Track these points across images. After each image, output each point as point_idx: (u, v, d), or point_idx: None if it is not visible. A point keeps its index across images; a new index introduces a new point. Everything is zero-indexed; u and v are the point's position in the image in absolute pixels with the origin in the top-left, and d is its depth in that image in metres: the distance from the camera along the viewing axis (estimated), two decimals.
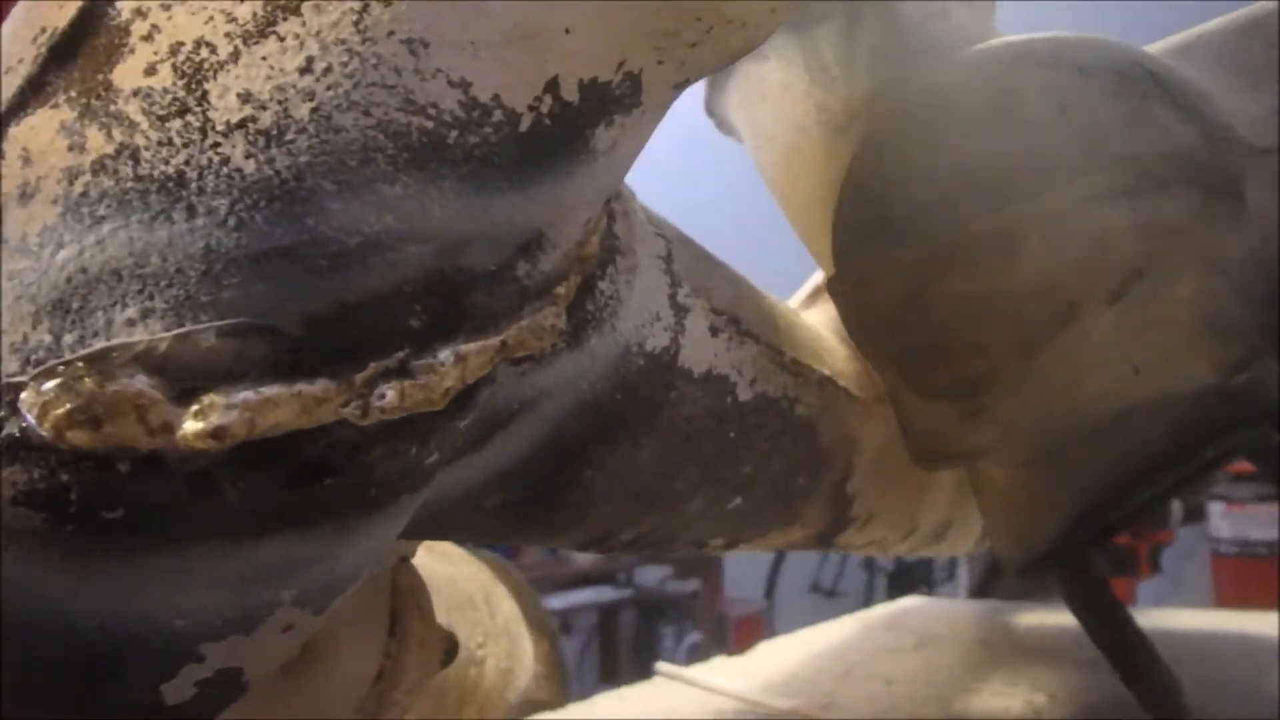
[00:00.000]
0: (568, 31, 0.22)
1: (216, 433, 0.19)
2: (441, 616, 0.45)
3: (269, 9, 0.20)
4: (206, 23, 0.20)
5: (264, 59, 0.20)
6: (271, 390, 0.19)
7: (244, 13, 0.20)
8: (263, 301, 0.19)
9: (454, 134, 0.21)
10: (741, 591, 2.89)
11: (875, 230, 0.35)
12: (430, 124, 0.21)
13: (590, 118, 0.23)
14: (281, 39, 0.20)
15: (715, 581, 2.90)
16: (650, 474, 0.36)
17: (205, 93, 0.20)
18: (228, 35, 0.20)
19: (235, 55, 0.20)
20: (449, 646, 0.45)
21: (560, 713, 0.71)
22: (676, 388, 0.34)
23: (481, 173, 0.22)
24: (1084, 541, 0.39)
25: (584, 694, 0.81)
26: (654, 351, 0.33)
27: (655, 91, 0.25)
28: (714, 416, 0.37)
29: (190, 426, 0.19)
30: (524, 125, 0.22)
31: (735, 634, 2.66)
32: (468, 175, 0.22)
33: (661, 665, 0.74)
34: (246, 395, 0.19)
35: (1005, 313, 0.34)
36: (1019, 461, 0.39)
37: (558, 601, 2.42)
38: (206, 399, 0.19)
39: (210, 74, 0.20)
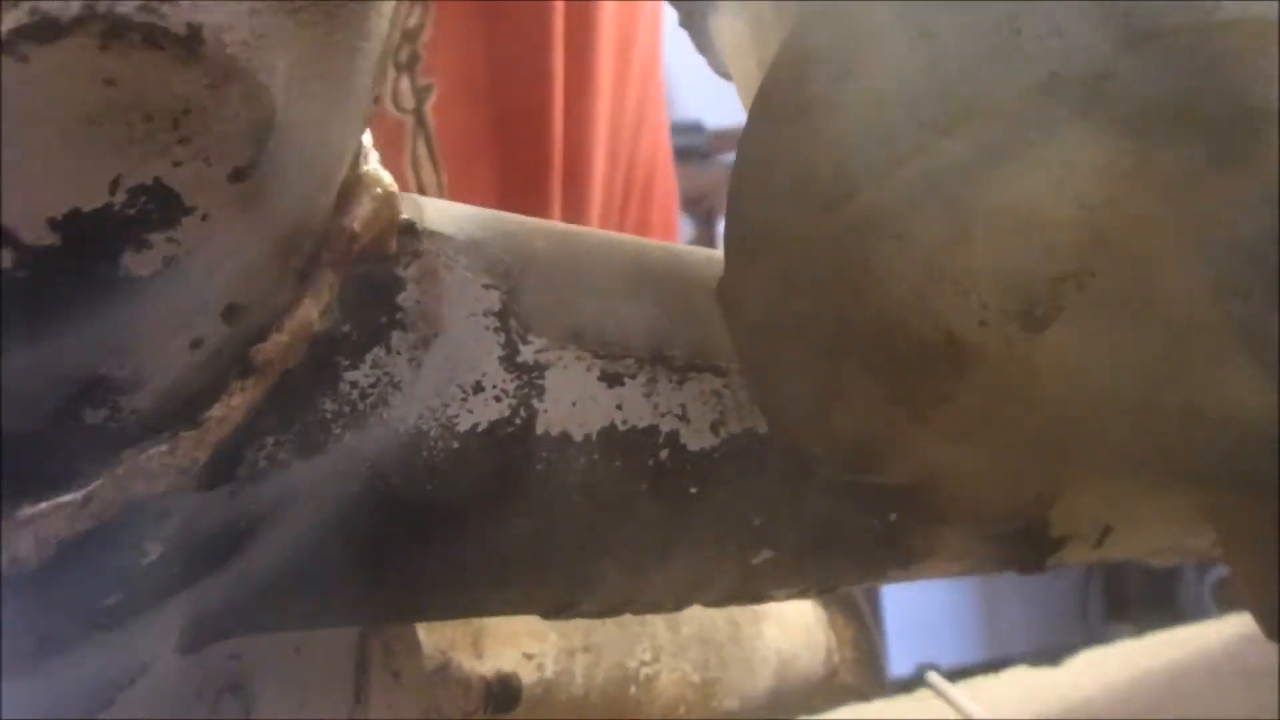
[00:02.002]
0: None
1: None
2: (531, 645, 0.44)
3: None
4: None
5: None
6: None
7: None
8: None
9: None
10: None
11: (792, 194, 0.25)
12: None
13: (100, 248, 0.20)
14: None
15: None
16: (539, 549, 0.31)
17: None
18: None
19: None
20: (498, 691, 0.43)
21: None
22: (542, 459, 0.29)
23: None
24: None
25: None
26: (476, 429, 0.28)
27: (205, 191, 0.20)
28: (642, 475, 0.31)
29: None
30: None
31: None
32: None
33: (932, 677, 0.65)
34: None
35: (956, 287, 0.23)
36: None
37: None
38: None
39: None
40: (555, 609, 0.35)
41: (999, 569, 0.48)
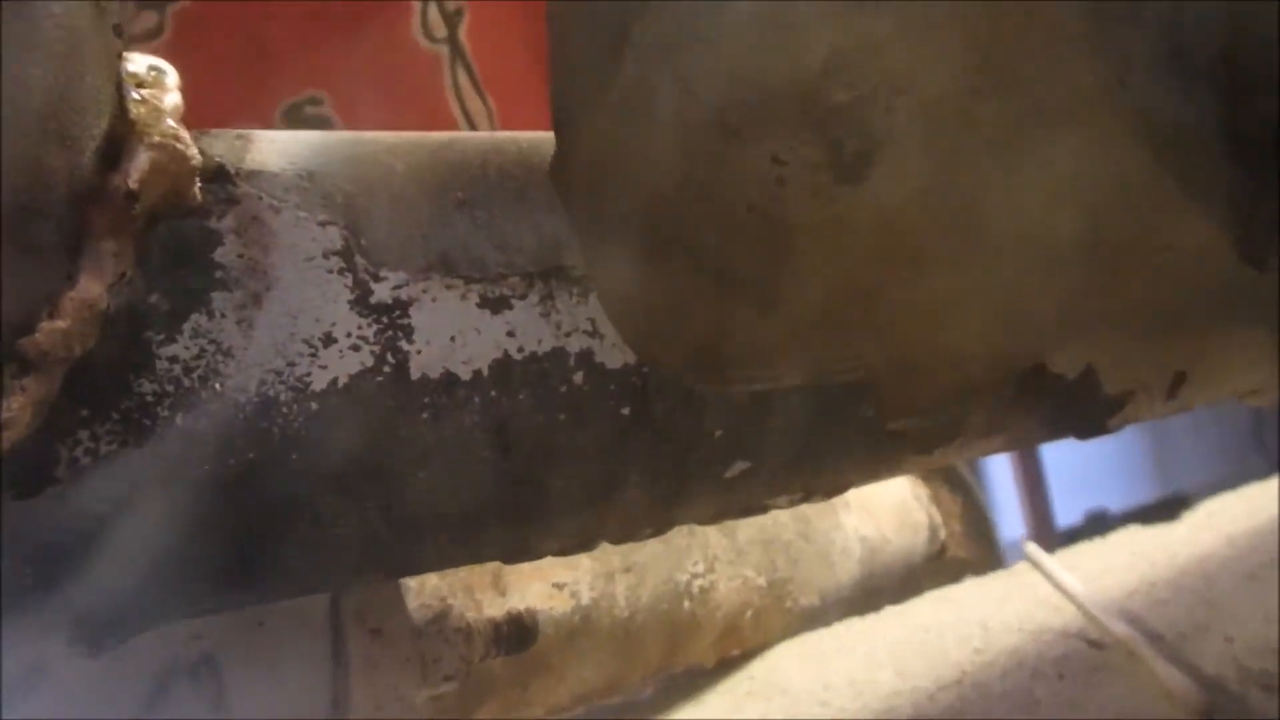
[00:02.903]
0: None
1: None
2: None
3: None
4: None
5: None
6: None
7: None
8: None
9: None
10: None
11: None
12: None
13: None
14: None
15: None
16: (462, 503, 0.28)
17: None
18: None
19: None
20: (509, 631, 0.41)
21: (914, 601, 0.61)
22: (425, 405, 0.26)
23: None
24: None
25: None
26: (336, 385, 0.25)
27: None
28: (557, 405, 0.28)
29: None
30: None
31: None
32: None
33: (1030, 548, 0.60)
34: None
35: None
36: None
37: None
38: None
39: None
40: (508, 555, 0.32)
41: (1054, 437, 0.43)
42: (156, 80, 0.25)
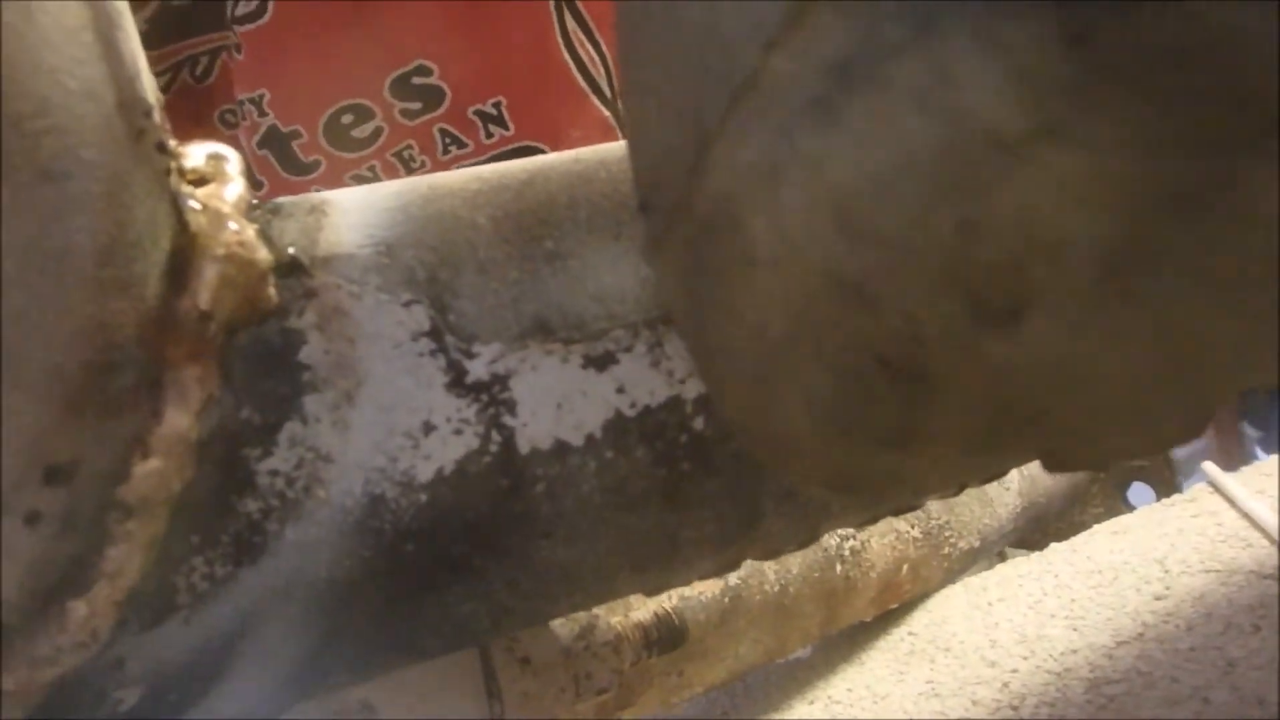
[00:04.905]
0: None
1: None
2: None
3: None
4: None
5: None
6: None
7: None
8: None
9: None
10: None
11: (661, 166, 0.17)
12: None
13: None
14: None
15: None
16: (587, 565, 0.26)
17: None
18: None
19: None
20: (659, 634, 0.40)
21: (1083, 537, 0.58)
22: (539, 478, 0.24)
23: None
24: None
25: None
26: (442, 474, 0.23)
27: None
28: (678, 455, 0.26)
29: None
30: None
31: None
32: None
33: (1208, 467, 0.55)
34: None
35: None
36: None
37: None
38: None
39: None
40: (647, 593, 0.31)
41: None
42: (216, 171, 0.23)
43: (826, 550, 0.49)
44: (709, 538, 0.28)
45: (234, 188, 0.23)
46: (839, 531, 0.49)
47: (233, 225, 0.22)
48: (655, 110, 0.15)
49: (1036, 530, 0.66)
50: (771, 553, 0.32)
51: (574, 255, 0.25)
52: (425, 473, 0.24)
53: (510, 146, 0.70)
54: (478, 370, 0.24)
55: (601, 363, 0.25)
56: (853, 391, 0.14)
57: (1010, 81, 0.10)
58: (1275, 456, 0.55)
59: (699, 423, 0.26)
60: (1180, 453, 0.75)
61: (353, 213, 0.25)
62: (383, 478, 0.23)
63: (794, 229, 0.11)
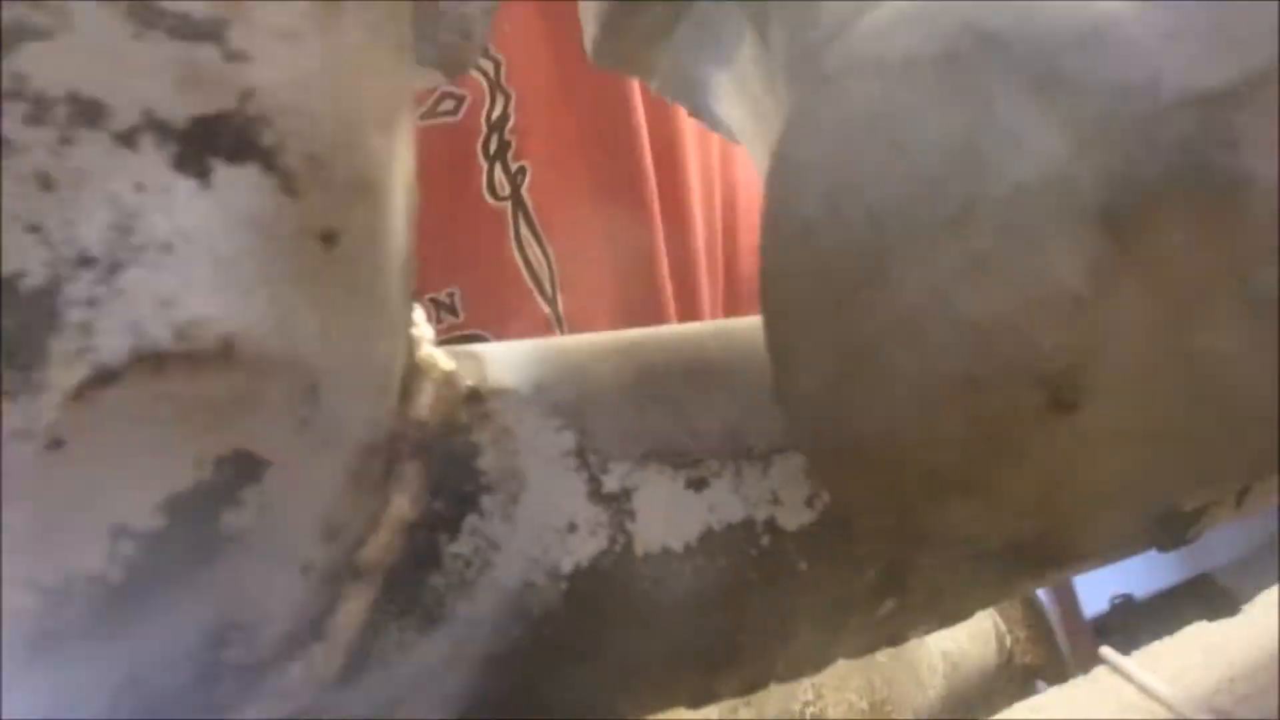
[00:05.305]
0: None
1: None
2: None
3: None
4: None
5: None
6: None
7: None
8: None
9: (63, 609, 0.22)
10: None
11: (805, 309, 0.25)
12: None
13: (202, 514, 0.22)
14: None
15: None
16: (663, 658, 0.32)
17: None
18: None
19: None
20: None
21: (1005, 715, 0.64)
22: (646, 577, 0.30)
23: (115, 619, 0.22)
24: None
25: None
26: (579, 568, 0.29)
27: (279, 447, 0.22)
28: (747, 566, 0.32)
29: None
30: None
31: None
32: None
33: (1106, 652, 0.64)
34: None
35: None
36: None
37: None
38: None
39: None
40: (694, 701, 0.36)
41: (1142, 550, 0.47)
42: (416, 322, 0.30)
43: (791, 714, 0.54)
44: (755, 645, 0.34)
45: (428, 332, 0.30)
46: (801, 697, 0.55)
47: (441, 360, 0.28)
48: (798, 269, 0.23)
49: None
50: (792, 674, 0.37)
51: (673, 402, 0.32)
52: (567, 565, 0.29)
53: (457, 334, 0.78)
54: (610, 484, 0.30)
55: (699, 485, 0.31)
56: (960, 458, 0.21)
57: None
58: (1162, 640, 0.64)
59: (766, 540, 0.32)
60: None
61: (502, 361, 0.32)
62: (535, 567, 0.29)
63: (936, 359, 0.19)
